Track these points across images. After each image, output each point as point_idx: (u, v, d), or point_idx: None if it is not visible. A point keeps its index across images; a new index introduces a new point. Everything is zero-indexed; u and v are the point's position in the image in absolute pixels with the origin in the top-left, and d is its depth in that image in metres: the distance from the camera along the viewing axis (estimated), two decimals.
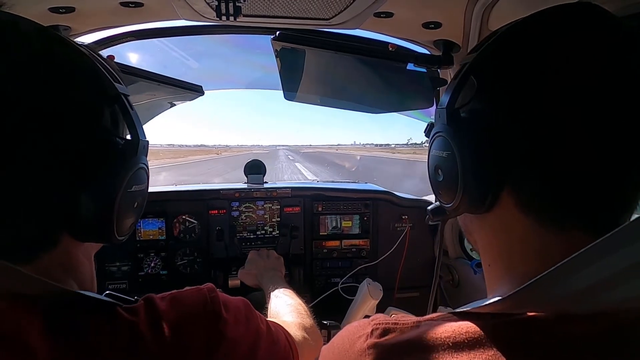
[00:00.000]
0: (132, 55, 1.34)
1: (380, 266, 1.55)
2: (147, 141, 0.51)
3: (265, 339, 0.57)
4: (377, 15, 1.01)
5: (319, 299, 1.44)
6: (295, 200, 1.54)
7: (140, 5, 0.97)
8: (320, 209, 1.55)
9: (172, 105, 1.64)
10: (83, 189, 0.43)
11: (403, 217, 1.57)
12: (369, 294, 1.19)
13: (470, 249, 1.51)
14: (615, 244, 0.25)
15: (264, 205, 1.53)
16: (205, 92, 1.49)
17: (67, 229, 0.44)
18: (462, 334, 0.36)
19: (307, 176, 20.09)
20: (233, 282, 1.37)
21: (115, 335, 0.42)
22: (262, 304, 0.91)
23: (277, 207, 1.53)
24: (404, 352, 0.38)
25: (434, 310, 1.30)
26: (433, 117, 0.50)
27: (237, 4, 0.88)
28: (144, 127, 0.51)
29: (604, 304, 0.31)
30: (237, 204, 1.51)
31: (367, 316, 1.20)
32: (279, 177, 18.81)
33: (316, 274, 1.55)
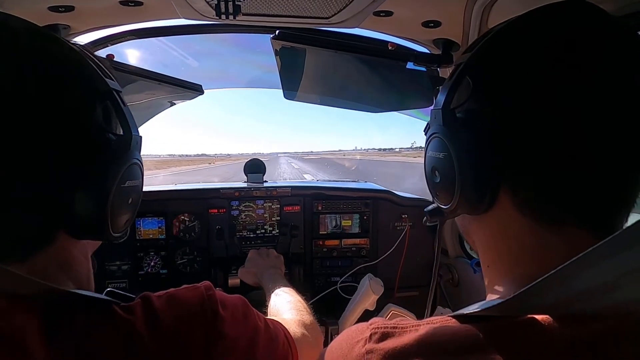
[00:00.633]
0: (131, 54, 1.34)
1: (380, 265, 1.55)
2: (141, 137, 0.51)
3: (264, 336, 0.57)
4: (377, 14, 1.01)
5: (317, 297, 1.44)
6: (295, 199, 1.54)
7: (140, 4, 0.97)
8: (320, 208, 1.54)
9: (172, 104, 1.64)
10: (76, 185, 0.43)
11: (403, 216, 1.57)
12: (370, 289, 1.19)
13: (470, 248, 1.51)
14: (616, 247, 0.25)
15: (264, 204, 1.53)
16: (205, 91, 1.49)
17: (62, 226, 0.44)
18: (462, 338, 0.36)
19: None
20: (233, 281, 1.37)
21: (112, 333, 0.42)
22: (262, 303, 0.91)
23: (277, 206, 1.53)
24: (403, 357, 0.38)
25: (433, 310, 1.30)
26: None
27: (236, 3, 0.88)
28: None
29: (605, 306, 0.31)
30: (237, 203, 1.51)
31: (367, 311, 1.21)
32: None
33: (316, 272, 1.55)
